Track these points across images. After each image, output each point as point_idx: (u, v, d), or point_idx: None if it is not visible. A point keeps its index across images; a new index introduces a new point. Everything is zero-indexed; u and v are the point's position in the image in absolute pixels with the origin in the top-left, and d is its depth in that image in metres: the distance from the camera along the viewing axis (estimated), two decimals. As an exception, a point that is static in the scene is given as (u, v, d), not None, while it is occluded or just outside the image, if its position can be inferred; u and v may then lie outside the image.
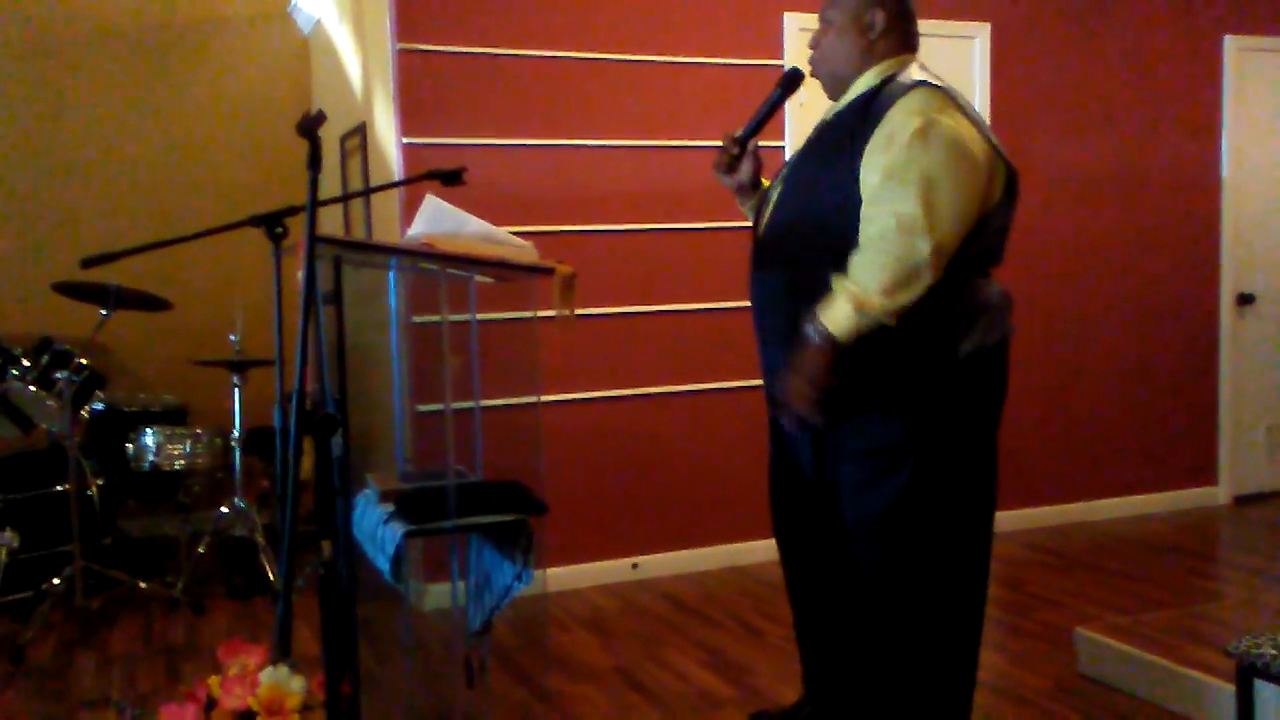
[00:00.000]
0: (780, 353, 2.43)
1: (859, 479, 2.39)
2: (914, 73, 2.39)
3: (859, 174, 2.27)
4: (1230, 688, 2.24)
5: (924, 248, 2.14)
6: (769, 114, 2.56)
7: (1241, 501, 5.57)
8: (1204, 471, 5.56)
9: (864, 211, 2.23)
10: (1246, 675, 2.12)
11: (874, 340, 2.23)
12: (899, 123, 2.23)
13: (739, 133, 2.60)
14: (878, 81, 2.40)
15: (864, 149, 2.27)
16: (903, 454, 2.33)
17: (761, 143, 2.68)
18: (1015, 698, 3.14)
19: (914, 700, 2.45)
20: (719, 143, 2.68)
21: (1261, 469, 5.70)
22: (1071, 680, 3.27)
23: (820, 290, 2.27)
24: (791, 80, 2.55)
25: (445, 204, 2.68)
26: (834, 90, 2.51)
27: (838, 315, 2.17)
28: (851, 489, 2.41)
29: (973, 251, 2.30)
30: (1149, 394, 5.41)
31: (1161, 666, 3.05)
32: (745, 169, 2.63)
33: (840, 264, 2.25)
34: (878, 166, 2.23)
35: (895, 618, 2.43)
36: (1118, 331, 5.34)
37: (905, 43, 2.47)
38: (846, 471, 2.42)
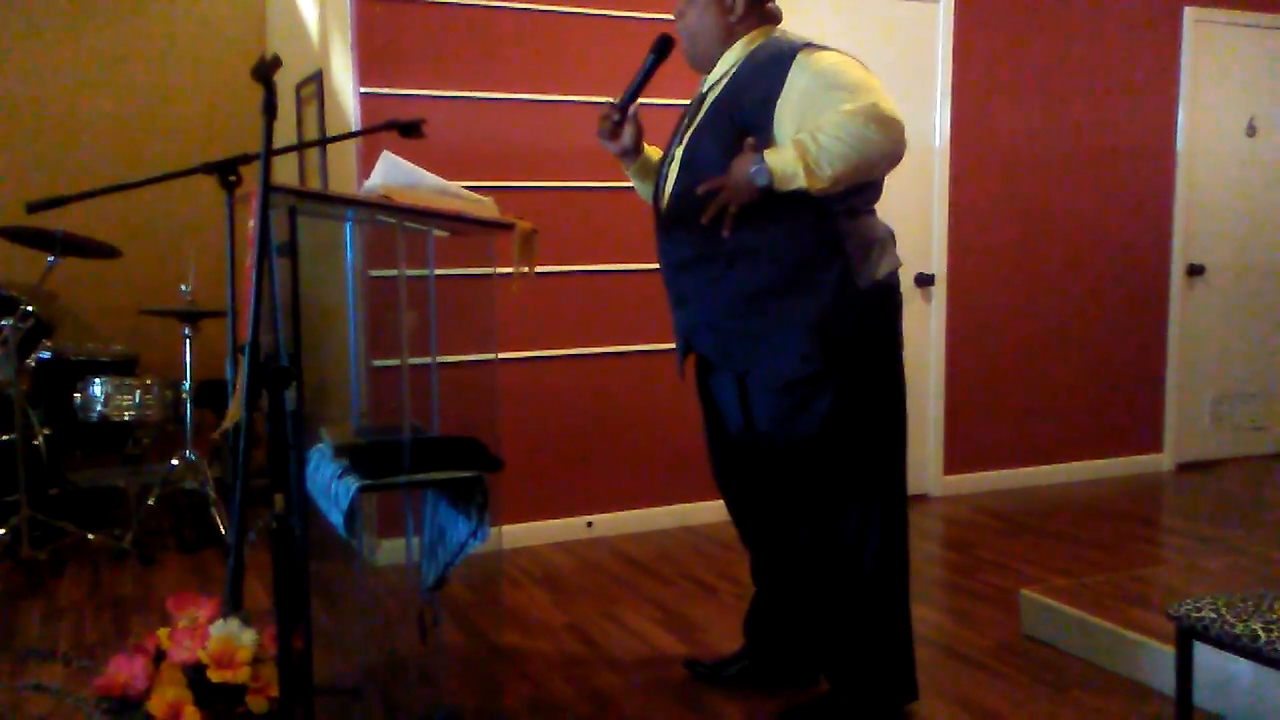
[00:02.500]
0: (696, 313, 2.65)
1: (783, 412, 2.56)
2: (791, 36, 2.55)
3: (769, 138, 2.40)
4: (1170, 650, 2.30)
5: (888, 143, 2.27)
6: (644, 80, 2.64)
7: (1185, 469, 5.69)
8: (1149, 439, 5.67)
9: (828, 99, 2.33)
10: (1186, 638, 2.17)
11: (777, 285, 2.47)
12: (820, 65, 2.39)
13: (618, 100, 2.70)
14: (747, 53, 2.55)
15: (772, 115, 2.42)
16: (821, 382, 2.51)
17: (672, 102, 2.77)
18: (960, 657, 3.20)
19: (864, 633, 2.64)
20: (686, 101, 2.74)
21: (1205, 437, 5.82)
22: (1015, 641, 3.33)
23: (725, 253, 2.49)
24: (663, 46, 2.63)
25: (402, 160, 2.64)
26: (699, 64, 2.66)
27: (785, 168, 2.28)
28: (776, 423, 2.58)
29: (866, 191, 2.53)
30: (1098, 362, 5.50)
31: (1104, 628, 3.12)
32: (627, 134, 2.74)
33: (748, 221, 2.40)
34: (817, 106, 2.35)
35: (831, 548, 2.60)
36: (1069, 300, 5.41)
37: (766, 18, 2.61)
38: (770, 406, 2.58)
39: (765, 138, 2.41)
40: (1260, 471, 5.68)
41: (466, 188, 2.95)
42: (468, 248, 3.71)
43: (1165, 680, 2.71)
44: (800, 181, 2.27)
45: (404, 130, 2.83)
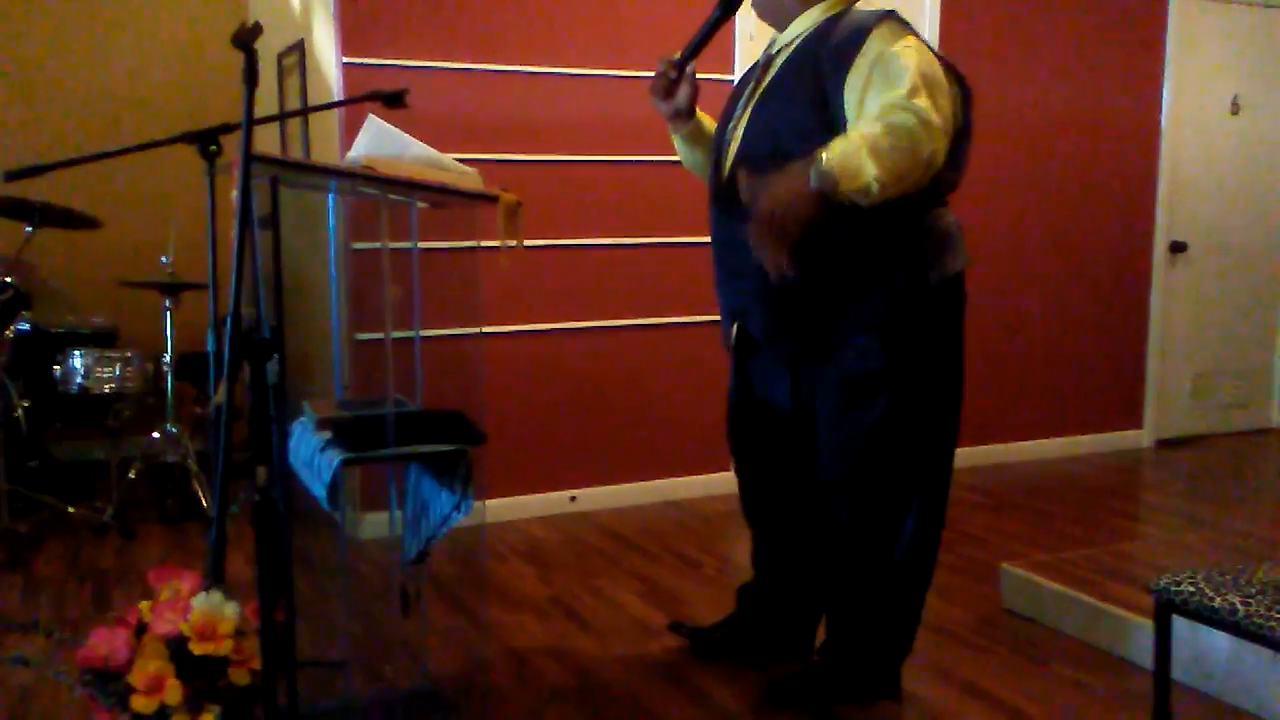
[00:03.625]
0: (750, 296, 2.51)
1: (840, 406, 2.48)
2: (873, 7, 2.42)
3: (837, 105, 2.28)
4: (1149, 623, 2.31)
5: (935, 148, 2.14)
6: (708, 35, 2.50)
7: (1164, 445, 5.73)
8: (1130, 415, 5.71)
9: (878, 100, 2.19)
10: (1165, 612, 2.19)
11: (849, 272, 2.35)
12: (882, 46, 2.25)
13: (677, 56, 2.56)
14: (826, 17, 2.42)
15: (844, 80, 2.28)
16: (882, 380, 2.43)
17: (710, 75, 2.65)
18: (941, 631, 3.22)
19: (876, 617, 2.62)
20: (723, 75, 2.65)
21: (1185, 414, 5.86)
22: (996, 615, 3.36)
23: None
24: (730, 1, 2.49)
25: (388, 125, 2.61)
26: (775, 19, 2.52)
27: (835, 171, 2.06)
28: (833, 416, 2.50)
29: (941, 184, 2.39)
30: (1080, 338, 5.52)
31: (1083, 602, 3.14)
32: (683, 94, 2.60)
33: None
34: (878, 89, 2.22)
35: (870, 533, 2.56)
36: (1051, 276, 5.42)
37: None
38: (828, 400, 2.50)
39: (834, 109, 2.28)
40: (1239, 448, 5.73)
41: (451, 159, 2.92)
42: (453, 220, 3.69)
43: (1144, 654, 2.73)
44: (855, 187, 2.07)
45: (387, 101, 2.80)
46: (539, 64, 4.31)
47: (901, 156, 2.08)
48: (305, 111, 4.44)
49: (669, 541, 4.13)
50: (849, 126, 2.25)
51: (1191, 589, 2.11)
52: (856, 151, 2.06)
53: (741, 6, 2.54)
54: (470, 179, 2.59)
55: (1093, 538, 4.10)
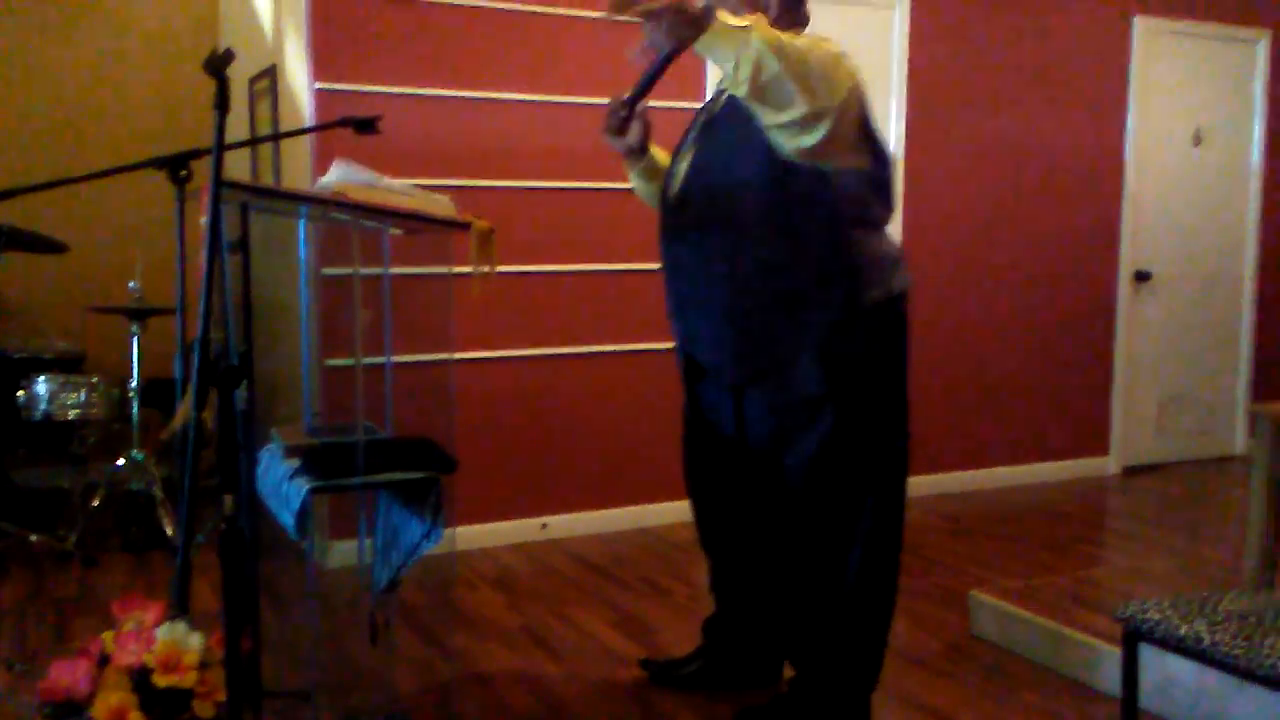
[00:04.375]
0: (698, 319, 2.56)
1: (783, 429, 2.50)
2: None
3: (758, 141, 2.33)
4: (1117, 650, 2.33)
5: (822, 70, 2.18)
6: (656, 75, 2.53)
7: (1130, 472, 5.78)
8: (1096, 442, 5.76)
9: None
10: (1132, 639, 2.20)
11: (787, 295, 2.38)
12: None
13: (626, 95, 2.60)
14: None
15: None
16: (822, 402, 2.44)
17: (681, 105, 2.68)
18: (910, 658, 3.23)
19: (839, 644, 2.62)
20: (693, 105, 2.68)
21: (1151, 441, 5.92)
22: (965, 642, 3.37)
23: (733, 258, 2.40)
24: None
25: (357, 165, 2.61)
26: None
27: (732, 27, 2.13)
28: (775, 441, 2.52)
29: (871, 207, 2.45)
30: (1046, 366, 5.57)
31: (1052, 629, 3.16)
32: (634, 132, 2.64)
33: (750, 225, 2.35)
34: None
35: (821, 558, 2.56)
36: (1018, 305, 5.48)
37: (796, 20, 2.56)
38: (769, 425, 2.52)
39: (764, 143, 2.33)
40: (1204, 475, 5.79)
41: (424, 186, 2.92)
42: (424, 246, 3.67)
43: (1112, 681, 2.75)
44: (740, 48, 2.10)
45: (359, 127, 2.80)
46: (511, 90, 4.32)
47: (794, 54, 2.12)
48: (276, 137, 4.43)
49: (640, 569, 4.12)
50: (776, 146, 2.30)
51: (1158, 617, 2.13)
52: (756, 28, 2.12)
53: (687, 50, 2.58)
54: (443, 206, 2.59)
55: (1060, 564, 4.13)
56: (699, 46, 2.15)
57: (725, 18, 2.14)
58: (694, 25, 2.11)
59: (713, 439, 2.73)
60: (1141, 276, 5.78)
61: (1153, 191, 5.79)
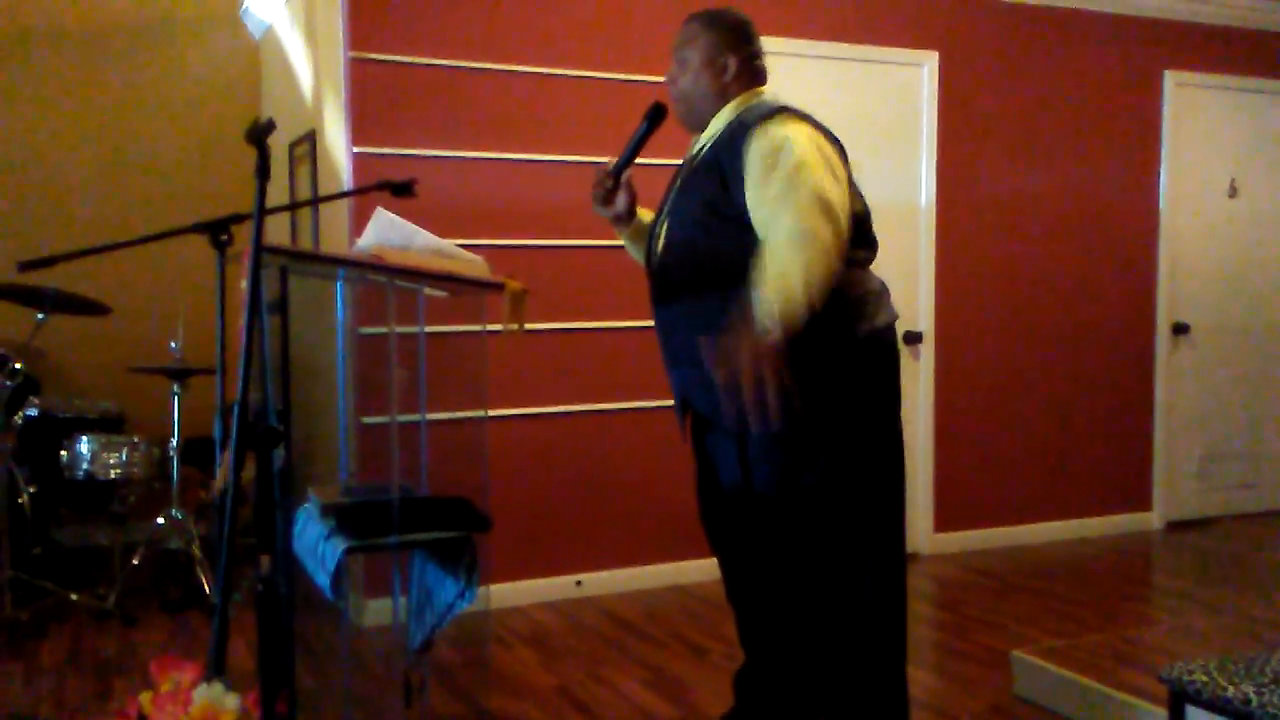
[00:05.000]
0: (691, 373, 2.61)
1: (779, 468, 2.53)
2: (768, 100, 2.57)
3: (739, 199, 2.42)
4: (1162, 713, 2.28)
5: (830, 242, 2.27)
6: (638, 147, 2.66)
7: (1174, 527, 5.68)
8: (1138, 497, 5.67)
9: (763, 221, 2.36)
10: (1178, 701, 2.16)
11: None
12: (767, 144, 2.40)
13: (610, 166, 2.71)
14: (734, 115, 2.57)
15: (737, 175, 2.43)
16: (817, 437, 2.48)
17: (669, 162, 2.76)
18: (951, 718, 3.17)
19: (855, 695, 2.60)
20: (670, 161, 2.77)
21: (1194, 495, 5.82)
22: (1007, 702, 3.31)
23: (719, 315, 2.42)
24: (656, 113, 2.64)
25: (395, 216, 2.66)
26: (693, 124, 2.67)
27: (773, 321, 2.21)
28: (773, 479, 2.54)
29: (861, 247, 2.52)
30: (1086, 419, 5.51)
31: (1095, 690, 3.09)
32: (620, 200, 2.74)
33: (730, 286, 2.39)
34: (759, 184, 2.38)
35: (822, 597, 2.57)
36: (1056, 358, 5.44)
37: (755, 79, 2.63)
38: (767, 463, 2.55)
39: (734, 205, 2.42)
40: (1249, 530, 5.68)
41: (458, 246, 2.97)
42: (458, 305, 3.72)
43: (1158, 743, 2.68)
44: (789, 313, 2.22)
45: (396, 190, 2.86)
46: (542, 151, 4.38)
47: (815, 273, 2.23)
48: (316, 201, 4.52)
49: (675, 627, 4.09)
50: (752, 218, 2.39)
51: (1204, 678, 2.08)
52: (780, 296, 2.22)
53: (666, 118, 2.66)
54: (477, 266, 2.63)
55: (1104, 622, 4.05)
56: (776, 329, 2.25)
57: (773, 315, 2.21)
58: (771, 357, 2.20)
59: (721, 488, 2.76)
60: (1180, 329, 5.73)
61: (1189, 244, 5.75)
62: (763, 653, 2.91)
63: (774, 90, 2.65)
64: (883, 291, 2.62)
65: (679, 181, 2.68)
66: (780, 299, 2.22)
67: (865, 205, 2.56)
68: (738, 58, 2.58)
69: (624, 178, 2.71)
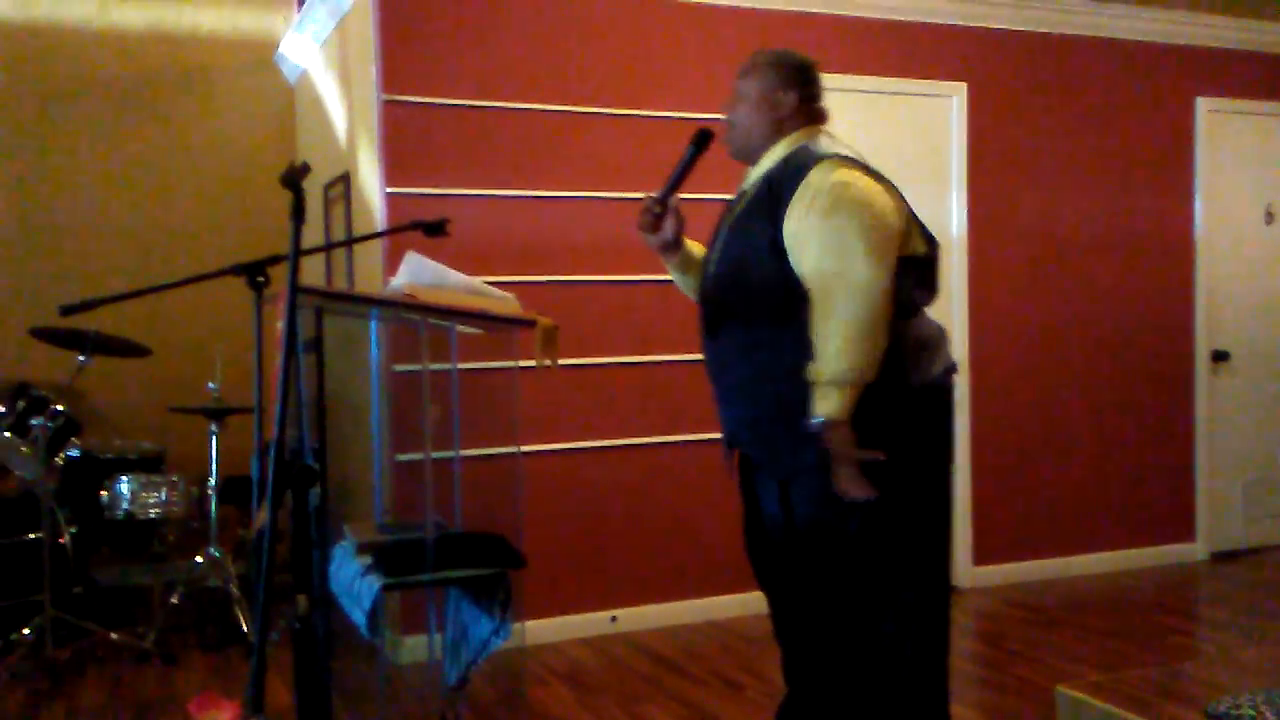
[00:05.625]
0: (742, 410, 2.59)
1: (824, 515, 2.47)
2: (823, 142, 2.54)
3: (781, 239, 2.40)
4: (1210, 748, 2.23)
5: (877, 296, 2.26)
6: (684, 172, 2.63)
7: (1219, 558, 5.58)
8: (1182, 528, 5.58)
9: (808, 276, 2.34)
10: (1226, 735, 2.11)
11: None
12: (815, 188, 2.38)
13: (657, 193, 2.68)
14: (788, 152, 2.55)
15: (784, 215, 2.41)
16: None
17: (712, 195, 2.74)
18: (995, 756, 3.12)
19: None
20: (699, 195, 2.75)
21: (1238, 525, 5.72)
22: (1051, 738, 3.25)
23: (766, 348, 2.45)
24: (702, 139, 2.63)
25: (426, 260, 2.69)
26: (744, 157, 2.65)
27: (830, 404, 2.28)
28: (817, 526, 2.49)
29: (911, 293, 2.46)
30: (1127, 450, 5.44)
31: (1141, 725, 3.03)
32: (668, 227, 2.70)
33: (777, 322, 2.41)
34: (803, 233, 2.36)
35: (866, 644, 2.51)
36: (1094, 387, 5.38)
37: (812, 118, 2.61)
38: (811, 510, 2.49)
39: (782, 241, 2.41)
40: (1297, 560, 5.57)
41: (491, 283, 2.99)
42: (490, 341, 3.75)
43: (1207, 780, 2.62)
44: (849, 387, 2.29)
45: (428, 230, 2.89)
46: (572, 189, 4.42)
47: (852, 333, 2.26)
48: (350, 242, 4.58)
49: (711, 663, 4.06)
50: (797, 259, 2.37)
51: (1252, 712, 2.04)
52: (830, 368, 2.28)
53: (712, 143, 2.65)
54: (508, 304, 2.65)
55: (1149, 656, 3.98)
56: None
57: (828, 411, 2.30)
58: (846, 443, 2.32)
59: (768, 528, 2.72)
60: (1220, 356, 5.66)
61: (1226, 271, 5.69)
62: (806, 688, 2.88)
63: (831, 130, 2.62)
64: (940, 338, 2.56)
65: (731, 216, 2.64)
66: (836, 387, 2.26)
67: (932, 248, 2.52)
68: (796, 95, 2.56)
69: (671, 204, 2.68)
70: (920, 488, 2.51)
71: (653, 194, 2.69)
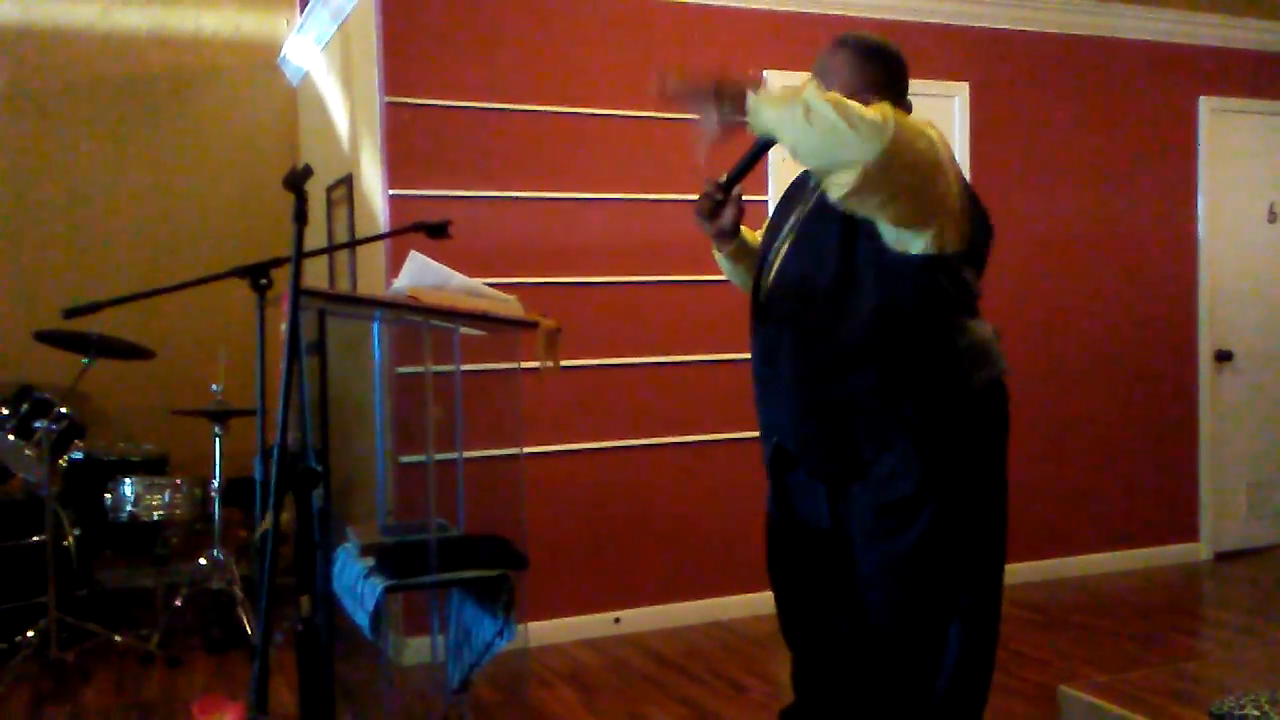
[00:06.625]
0: (785, 411, 2.48)
1: (877, 524, 2.40)
2: None
3: (856, 227, 2.31)
4: (1214, 748, 2.23)
5: (883, 137, 2.10)
6: (753, 161, 2.52)
7: (1223, 558, 5.57)
8: (1185, 528, 5.58)
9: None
10: (1230, 736, 2.11)
11: (882, 384, 2.31)
12: None
13: (722, 178, 2.57)
14: None
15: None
16: (920, 495, 2.35)
17: (744, 196, 2.67)
18: (999, 757, 3.12)
19: None
20: (759, 196, 2.65)
21: (1242, 525, 5.72)
22: (1055, 739, 3.25)
23: (827, 349, 2.35)
24: None
25: (429, 260, 2.69)
26: None
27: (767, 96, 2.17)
28: (870, 535, 2.42)
29: (971, 288, 2.40)
30: (1130, 450, 5.44)
31: (1145, 726, 3.03)
32: (728, 215, 2.59)
33: (847, 322, 2.32)
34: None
35: (909, 663, 2.44)
36: (1098, 388, 5.37)
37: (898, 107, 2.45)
38: (864, 518, 2.43)
39: (863, 245, 2.32)
40: (1301, 560, 5.56)
41: (493, 284, 2.99)
42: (493, 343, 3.75)
43: (1212, 780, 2.62)
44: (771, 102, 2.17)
45: (431, 231, 2.89)
46: (574, 190, 4.42)
47: (831, 114, 2.09)
48: (352, 244, 4.58)
49: (715, 664, 4.06)
50: (887, 239, 2.27)
51: (1256, 712, 2.04)
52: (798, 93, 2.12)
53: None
54: (510, 306, 2.65)
55: (1153, 656, 3.97)
56: (751, 118, 2.18)
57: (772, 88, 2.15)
58: (738, 95, 2.16)
59: (801, 531, 2.65)
60: (1223, 356, 5.65)
61: (1229, 269, 5.69)
62: (819, 695, 2.81)
63: None
64: (996, 338, 2.49)
65: (800, 209, 2.53)
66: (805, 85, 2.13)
67: (985, 237, 2.43)
68: (879, 99, 2.33)
69: (735, 192, 2.55)
70: (982, 491, 2.44)
71: (716, 179, 2.56)
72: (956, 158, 2.40)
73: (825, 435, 2.45)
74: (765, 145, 2.47)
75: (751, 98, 2.19)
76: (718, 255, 2.74)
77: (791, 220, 2.55)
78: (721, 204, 2.58)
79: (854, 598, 2.52)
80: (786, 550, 2.70)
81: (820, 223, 2.45)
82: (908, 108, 2.48)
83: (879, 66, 2.46)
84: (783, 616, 2.79)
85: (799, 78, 2.50)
